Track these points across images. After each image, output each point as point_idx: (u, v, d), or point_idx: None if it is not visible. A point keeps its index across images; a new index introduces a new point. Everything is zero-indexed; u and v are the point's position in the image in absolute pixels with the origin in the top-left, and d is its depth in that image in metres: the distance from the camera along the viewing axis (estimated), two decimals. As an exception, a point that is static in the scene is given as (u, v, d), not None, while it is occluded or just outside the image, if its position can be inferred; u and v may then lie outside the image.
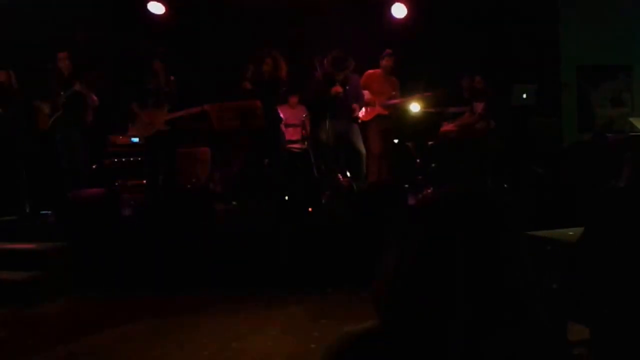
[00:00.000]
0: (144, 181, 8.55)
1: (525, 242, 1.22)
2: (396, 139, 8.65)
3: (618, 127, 9.28)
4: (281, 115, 8.43)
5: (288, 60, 8.15)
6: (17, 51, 8.52)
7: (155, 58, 8.08)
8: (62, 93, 7.96)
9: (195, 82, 9.18)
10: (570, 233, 3.29)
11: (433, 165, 8.43)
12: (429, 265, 1.15)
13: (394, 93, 8.57)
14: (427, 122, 8.63)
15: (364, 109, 8.42)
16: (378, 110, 8.52)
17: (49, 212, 7.81)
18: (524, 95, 8.50)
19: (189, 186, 8.42)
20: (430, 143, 8.66)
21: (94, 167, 8.63)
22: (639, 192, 2.42)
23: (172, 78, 8.10)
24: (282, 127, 8.47)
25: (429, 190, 7.47)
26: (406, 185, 7.85)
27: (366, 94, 8.51)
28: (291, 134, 8.97)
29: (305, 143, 8.76)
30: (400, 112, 8.60)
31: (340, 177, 8.14)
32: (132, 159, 8.80)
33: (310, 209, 7.14)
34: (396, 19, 8.51)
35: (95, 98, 8.07)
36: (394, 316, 1.17)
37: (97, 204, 7.38)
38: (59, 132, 8.02)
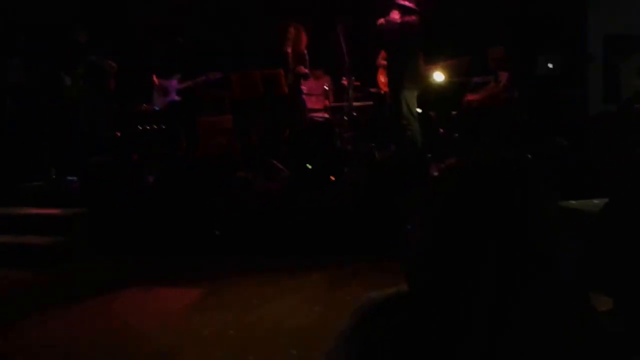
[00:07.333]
0: (167, 149, 8.60)
1: (555, 206, 1.21)
2: (419, 108, 8.60)
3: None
4: (302, 87, 8.48)
5: (312, 31, 8.15)
6: (38, 23, 8.58)
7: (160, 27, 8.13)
8: (80, 64, 8.03)
9: (218, 50, 9.16)
10: (596, 202, 3.27)
11: (456, 135, 8.38)
12: (458, 230, 1.15)
13: None
14: (451, 91, 8.55)
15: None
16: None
17: (74, 178, 7.90)
18: (550, 65, 8.39)
19: (211, 154, 8.45)
20: (453, 113, 8.59)
21: (118, 134, 8.70)
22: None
23: (180, 39, 8.08)
24: (304, 97, 8.48)
25: (452, 160, 7.42)
26: (429, 155, 7.81)
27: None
28: (314, 102, 8.93)
29: (328, 113, 8.76)
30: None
31: (363, 145, 8.12)
32: (155, 127, 8.83)
33: (332, 178, 7.16)
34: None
35: (113, 64, 8.10)
36: (423, 281, 1.18)
37: (120, 171, 7.46)
38: (82, 101, 8.10)
